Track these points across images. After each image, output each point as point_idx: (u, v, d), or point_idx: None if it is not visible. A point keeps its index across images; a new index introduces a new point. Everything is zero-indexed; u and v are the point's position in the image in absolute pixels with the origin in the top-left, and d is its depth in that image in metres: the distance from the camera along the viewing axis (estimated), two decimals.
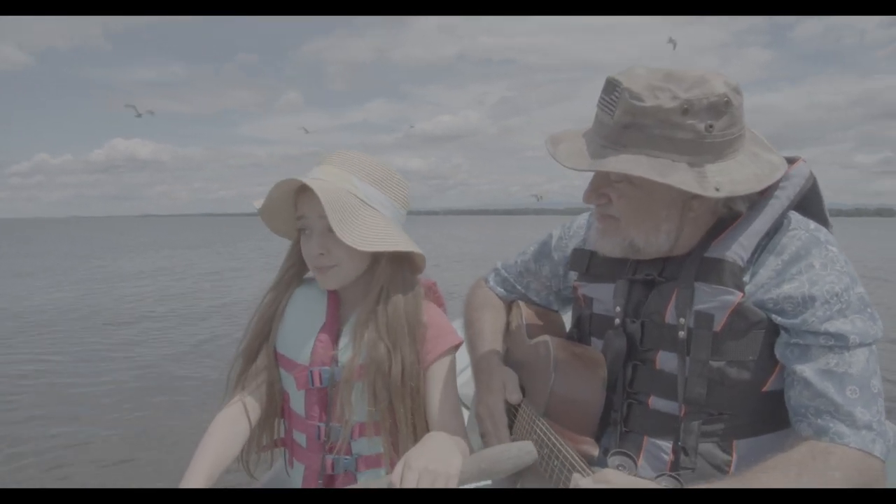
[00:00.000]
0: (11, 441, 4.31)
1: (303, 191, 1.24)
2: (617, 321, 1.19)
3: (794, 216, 1.10)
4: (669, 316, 1.11)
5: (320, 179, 1.22)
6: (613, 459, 1.02)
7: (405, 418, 1.26)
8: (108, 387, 5.62)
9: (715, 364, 1.07)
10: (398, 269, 1.29)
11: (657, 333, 1.13)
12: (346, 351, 1.27)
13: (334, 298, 1.34)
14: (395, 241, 1.24)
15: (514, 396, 1.26)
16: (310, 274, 1.36)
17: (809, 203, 1.13)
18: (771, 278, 1.05)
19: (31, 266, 18.59)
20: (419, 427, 1.28)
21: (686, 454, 1.08)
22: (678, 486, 0.92)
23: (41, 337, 7.82)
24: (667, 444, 1.11)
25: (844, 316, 1.00)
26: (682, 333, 1.09)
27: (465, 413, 1.36)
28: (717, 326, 1.06)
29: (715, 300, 1.06)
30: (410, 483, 1.00)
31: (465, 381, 1.43)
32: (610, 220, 1.14)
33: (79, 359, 6.63)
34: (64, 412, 4.93)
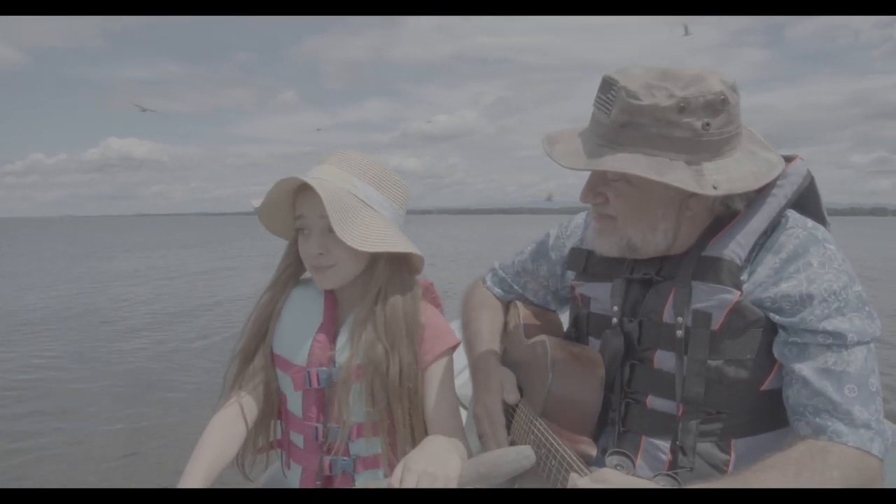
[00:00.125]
0: (9, 438, 4.31)
1: (302, 190, 1.23)
2: (614, 320, 1.19)
3: (792, 214, 1.10)
4: (667, 315, 1.11)
5: (321, 179, 1.22)
6: (611, 459, 1.02)
7: (403, 419, 1.25)
8: (102, 383, 5.62)
9: (713, 363, 1.07)
10: (396, 269, 1.29)
11: (655, 333, 1.13)
12: (343, 351, 1.26)
13: (331, 299, 1.33)
14: (395, 242, 1.24)
15: (512, 397, 1.25)
16: (306, 274, 1.35)
17: (807, 201, 1.13)
18: (769, 277, 1.05)
19: (26, 266, 18.52)
20: (417, 428, 1.28)
21: (684, 454, 1.08)
22: (676, 486, 0.92)
23: (34, 336, 7.80)
24: (665, 444, 1.11)
25: (842, 314, 1.00)
26: (679, 332, 1.08)
27: (464, 413, 1.36)
28: (715, 325, 1.06)
29: (712, 299, 1.06)
30: (409, 486, 1.01)
31: (464, 382, 1.42)
32: (607, 219, 1.14)
33: (73, 358, 6.62)
34: (59, 410, 4.93)
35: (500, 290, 1.53)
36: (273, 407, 1.35)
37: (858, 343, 0.99)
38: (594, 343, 1.26)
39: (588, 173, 1.13)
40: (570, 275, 1.36)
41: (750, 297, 1.05)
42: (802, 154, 1.15)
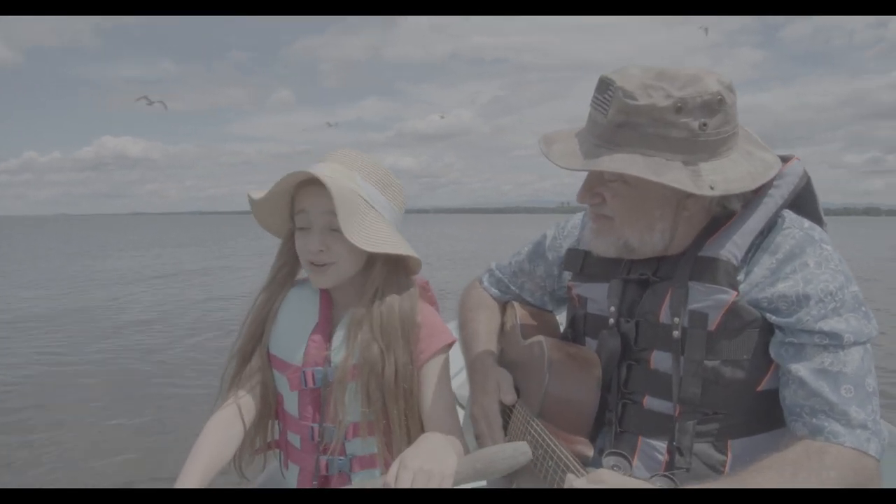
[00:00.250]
0: (4, 437, 4.30)
1: (304, 185, 1.23)
2: (611, 321, 1.19)
3: (789, 215, 1.10)
4: (664, 315, 1.11)
5: (329, 176, 1.22)
6: (608, 460, 1.01)
7: (398, 419, 1.25)
8: (102, 383, 5.60)
9: (709, 363, 1.07)
10: (393, 270, 1.29)
11: (651, 333, 1.13)
12: (339, 351, 1.26)
13: (327, 299, 1.33)
14: (397, 244, 1.24)
15: (509, 397, 1.25)
16: (302, 274, 1.35)
17: (804, 202, 1.13)
18: (765, 277, 1.05)
19: (20, 265, 18.44)
20: (413, 428, 1.28)
21: (681, 454, 1.08)
22: (673, 487, 0.92)
23: (30, 335, 7.76)
24: (661, 445, 1.11)
25: (839, 315, 1.00)
26: (676, 333, 1.08)
27: (461, 413, 1.36)
28: (712, 326, 1.06)
29: (709, 299, 1.06)
30: (405, 483, 1.00)
31: (461, 383, 1.42)
32: (604, 219, 1.14)
33: (72, 358, 6.59)
34: (57, 409, 4.90)
35: (496, 291, 1.53)
36: (270, 407, 1.35)
37: (855, 343, 1.00)
38: (591, 343, 1.26)
39: (585, 174, 1.13)
40: (567, 275, 1.36)
41: (746, 297, 1.05)
42: (796, 154, 1.15)
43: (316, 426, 1.28)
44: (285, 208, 1.30)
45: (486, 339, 1.40)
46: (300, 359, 1.28)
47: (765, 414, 1.08)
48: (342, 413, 1.24)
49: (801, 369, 1.00)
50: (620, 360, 1.17)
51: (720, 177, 1.02)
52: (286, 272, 1.35)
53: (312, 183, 1.19)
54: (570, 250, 1.34)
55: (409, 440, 1.24)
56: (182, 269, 17.03)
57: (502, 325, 1.48)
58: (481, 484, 1.28)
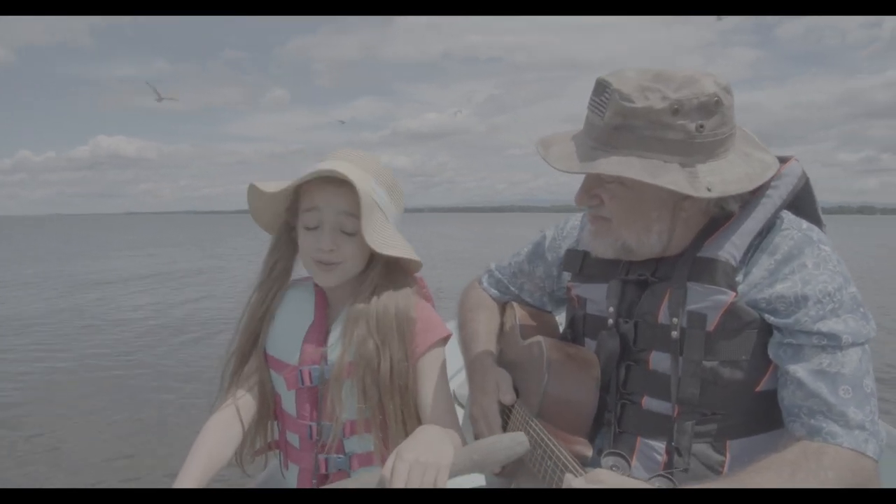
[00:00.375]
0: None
1: (315, 183, 1.23)
2: (610, 322, 1.19)
3: (787, 215, 1.10)
4: (662, 316, 1.11)
5: (354, 180, 1.21)
6: (607, 460, 1.02)
7: (395, 415, 1.25)
8: (100, 383, 5.59)
9: (708, 364, 1.07)
10: (391, 271, 1.29)
11: (650, 334, 1.13)
12: (335, 348, 1.26)
13: (322, 297, 1.33)
14: (405, 247, 1.25)
15: (508, 397, 1.25)
16: (295, 275, 1.34)
17: (802, 202, 1.13)
18: (764, 278, 1.05)
19: (16, 265, 18.37)
20: (409, 424, 1.27)
21: (679, 454, 1.08)
22: (671, 487, 0.92)
23: (24, 335, 7.74)
24: (660, 445, 1.11)
25: (837, 315, 1.00)
26: (675, 333, 1.09)
27: (460, 412, 1.36)
28: (710, 326, 1.06)
29: (708, 300, 1.06)
30: (401, 475, 0.99)
31: (461, 383, 1.42)
32: (602, 221, 1.14)
33: (70, 357, 6.57)
34: (55, 409, 4.90)
35: (496, 292, 1.53)
36: (269, 408, 1.35)
37: (853, 344, 1.00)
38: (590, 344, 1.26)
39: (582, 175, 1.13)
40: (567, 276, 1.36)
41: (745, 298, 1.05)
42: (790, 153, 1.15)
43: (314, 424, 1.28)
44: (283, 204, 1.29)
45: (486, 340, 1.40)
46: (296, 358, 1.28)
47: (763, 414, 1.08)
48: (339, 410, 1.23)
49: (799, 370, 1.00)
50: (619, 361, 1.17)
51: (717, 178, 1.02)
52: (280, 269, 1.34)
53: (327, 181, 1.19)
54: (569, 251, 1.34)
55: (406, 436, 1.24)
56: (179, 268, 16.99)
57: (501, 325, 1.49)
58: (481, 483, 1.28)
